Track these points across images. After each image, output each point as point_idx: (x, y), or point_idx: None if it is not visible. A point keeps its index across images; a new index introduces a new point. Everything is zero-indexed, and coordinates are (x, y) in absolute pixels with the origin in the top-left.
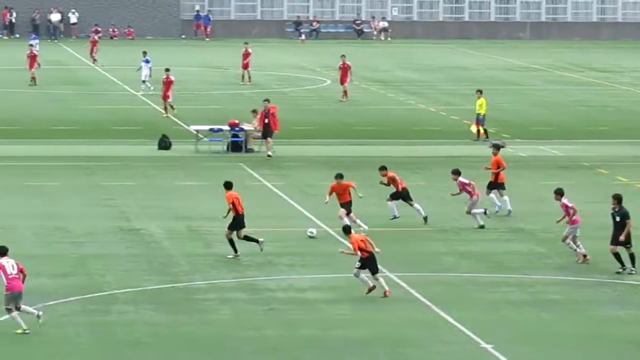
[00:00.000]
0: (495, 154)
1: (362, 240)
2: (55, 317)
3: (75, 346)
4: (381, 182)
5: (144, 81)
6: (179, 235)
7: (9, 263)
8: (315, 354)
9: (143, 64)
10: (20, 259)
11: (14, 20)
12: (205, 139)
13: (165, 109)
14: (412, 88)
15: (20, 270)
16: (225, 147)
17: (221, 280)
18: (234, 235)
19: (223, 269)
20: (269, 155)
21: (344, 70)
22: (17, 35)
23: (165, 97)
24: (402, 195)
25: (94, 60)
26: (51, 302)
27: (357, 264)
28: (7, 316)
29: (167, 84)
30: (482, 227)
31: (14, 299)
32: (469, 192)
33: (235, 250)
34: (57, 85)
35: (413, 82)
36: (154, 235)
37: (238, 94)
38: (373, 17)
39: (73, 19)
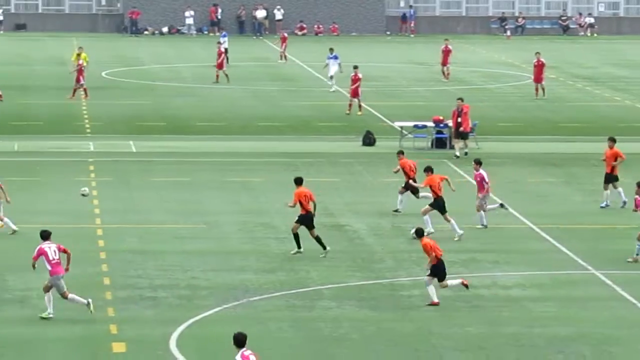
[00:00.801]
0: (611, 147)
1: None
2: (259, 313)
3: (278, 342)
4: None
5: (331, 77)
6: (383, 232)
7: (50, 248)
8: (520, 351)
9: (330, 60)
10: (224, 254)
11: (219, 17)
12: (410, 135)
13: (358, 106)
14: (618, 84)
15: (64, 251)
16: (429, 144)
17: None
18: (301, 231)
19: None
20: (456, 156)
21: (539, 67)
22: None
23: (353, 95)
24: (407, 187)
25: (284, 57)
26: (255, 298)
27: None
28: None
29: (355, 81)
30: (485, 226)
31: (57, 282)
32: (482, 187)
33: (299, 247)
34: (261, 82)
35: (620, 79)
36: (358, 232)
37: (442, 90)
38: (580, 14)
39: (278, 15)
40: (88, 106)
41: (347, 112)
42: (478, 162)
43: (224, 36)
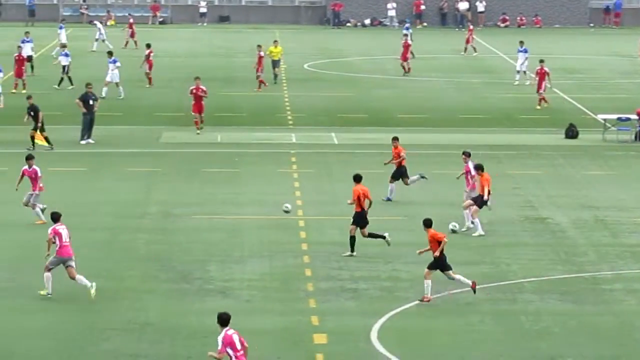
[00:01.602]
0: None
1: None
2: (460, 306)
3: (480, 334)
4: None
5: (518, 71)
6: (586, 225)
7: (64, 231)
8: None
9: (520, 54)
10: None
11: (423, 8)
12: (613, 128)
13: (540, 101)
14: None
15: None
16: (633, 137)
17: (628, 271)
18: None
19: (630, 260)
20: None
21: None
22: (425, 24)
23: (539, 88)
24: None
25: (470, 49)
26: (456, 291)
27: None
28: (47, 274)
29: (541, 75)
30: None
31: (61, 263)
32: (468, 181)
33: (352, 250)
34: (464, 74)
35: None
36: (560, 225)
37: None
38: None
39: (480, 7)
40: (290, 98)
41: (538, 107)
42: (467, 154)
43: (407, 29)
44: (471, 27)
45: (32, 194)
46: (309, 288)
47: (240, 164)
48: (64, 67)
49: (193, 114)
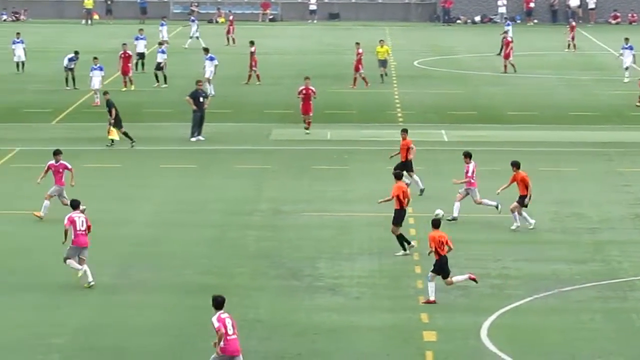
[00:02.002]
0: None
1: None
2: (571, 304)
3: (590, 332)
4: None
5: (626, 68)
6: None
7: (79, 219)
8: None
9: (625, 50)
10: (535, 244)
11: (532, 6)
12: None
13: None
14: None
15: (88, 227)
16: None
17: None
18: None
19: None
20: None
21: None
22: (536, 21)
23: None
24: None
25: (572, 46)
26: (567, 288)
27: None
28: (69, 261)
29: None
30: (454, 219)
31: (78, 252)
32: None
33: (404, 248)
34: (574, 70)
35: None
36: None
37: None
38: None
39: (591, 4)
40: (400, 95)
41: (637, 103)
42: (467, 155)
43: (509, 25)
44: (574, 24)
45: (58, 188)
46: (418, 285)
47: (350, 161)
48: (158, 64)
49: (302, 115)
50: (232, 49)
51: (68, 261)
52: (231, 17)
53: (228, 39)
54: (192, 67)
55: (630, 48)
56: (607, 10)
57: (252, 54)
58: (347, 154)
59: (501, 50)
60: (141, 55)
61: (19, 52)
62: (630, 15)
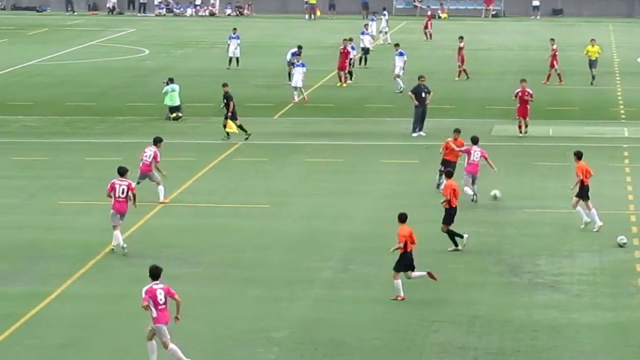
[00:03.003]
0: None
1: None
2: None
3: None
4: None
5: None
6: None
7: (120, 186)
8: None
9: None
10: None
11: None
12: None
13: None
14: None
15: (131, 190)
16: None
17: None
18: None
19: None
20: None
21: None
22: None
23: None
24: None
25: None
26: None
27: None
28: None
29: None
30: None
31: (117, 218)
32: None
33: (455, 243)
34: None
35: None
36: None
37: None
38: None
39: None
40: (623, 92)
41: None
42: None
43: None
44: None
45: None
46: (638, 284)
47: (571, 158)
48: (349, 59)
49: (517, 117)
50: (437, 44)
51: (115, 232)
52: (429, 13)
53: (425, 33)
54: (414, 62)
55: None
56: None
57: (460, 49)
58: (567, 151)
59: None
60: (366, 51)
61: (233, 48)
62: None
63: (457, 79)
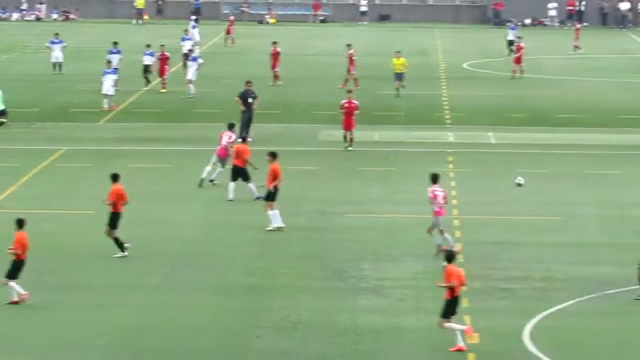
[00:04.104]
0: None
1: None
2: (615, 307)
3: (634, 336)
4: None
5: None
6: None
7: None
8: None
9: None
10: (580, 247)
11: (582, 9)
12: None
13: None
14: None
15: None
16: None
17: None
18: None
19: None
20: None
21: None
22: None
23: None
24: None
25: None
26: (611, 291)
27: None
28: None
29: None
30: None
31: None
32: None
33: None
34: (625, 74)
35: None
36: None
37: None
38: None
39: None
40: (449, 97)
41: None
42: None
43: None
44: (578, 26)
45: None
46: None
47: (396, 163)
48: (145, 67)
49: (343, 130)
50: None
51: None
52: (231, 18)
53: (226, 39)
54: (242, 67)
55: None
56: None
57: (275, 54)
58: (392, 156)
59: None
60: (186, 56)
61: (57, 53)
62: None
63: (272, 84)
